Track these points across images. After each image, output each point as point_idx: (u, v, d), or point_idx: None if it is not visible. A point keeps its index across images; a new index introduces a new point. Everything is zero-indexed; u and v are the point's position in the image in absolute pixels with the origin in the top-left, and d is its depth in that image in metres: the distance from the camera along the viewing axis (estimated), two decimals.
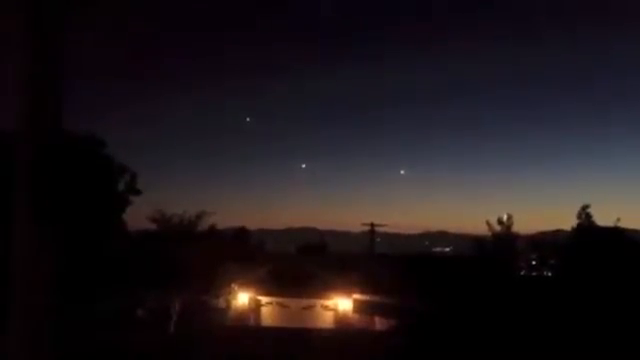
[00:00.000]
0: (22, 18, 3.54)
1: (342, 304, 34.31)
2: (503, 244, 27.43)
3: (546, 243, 29.29)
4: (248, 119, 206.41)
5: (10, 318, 3.29)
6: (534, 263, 30.33)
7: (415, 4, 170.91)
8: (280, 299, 34.51)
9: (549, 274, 29.56)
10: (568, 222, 27.77)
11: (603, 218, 27.53)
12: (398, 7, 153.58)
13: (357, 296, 34.06)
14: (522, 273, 29.57)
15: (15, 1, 3.53)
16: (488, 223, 27.69)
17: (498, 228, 27.59)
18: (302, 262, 37.26)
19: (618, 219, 26.72)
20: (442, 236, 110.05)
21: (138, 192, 26.30)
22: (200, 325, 27.03)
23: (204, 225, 29.46)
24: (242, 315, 33.06)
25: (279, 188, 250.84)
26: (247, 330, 30.90)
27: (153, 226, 28.93)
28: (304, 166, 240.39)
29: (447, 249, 76.31)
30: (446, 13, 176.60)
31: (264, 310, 34.86)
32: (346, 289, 34.05)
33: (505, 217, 27.76)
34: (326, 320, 34.34)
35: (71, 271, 17.32)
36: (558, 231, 30.45)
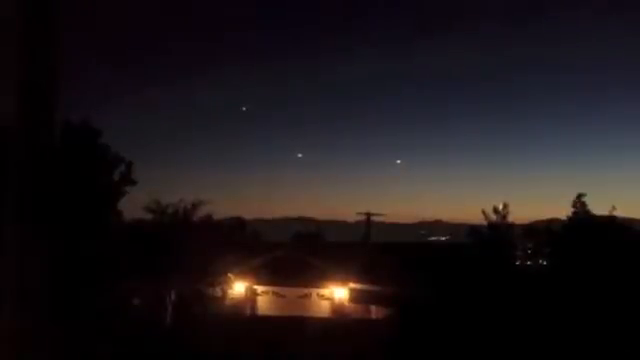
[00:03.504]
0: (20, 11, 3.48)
1: (338, 293, 34.54)
2: (499, 233, 27.45)
3: (541, 232, 29.32)
4: (244, 108, 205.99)
5: (2, 321, 3.27)
6: (529, 252, 30.38)
7: None
8: (276, 288, 34.71)
9: (544, 263, 29.64)
10: (563, 211, 27.80)
11: (598, 207, 27.56)
12: None
13: (353, 285, 34.22)
14: (517, 262, 29.63)
15: None
16: (484, 212, 27.70)
17: (494, 217, 27.58)
18: (298, 252, 37.30)
19: (613, 208, 26.76)
20: (438, 225, 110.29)
21: (134, 182, 26.16)
22: (196, 315, 27.13)
23: (200, 215, 29.38)
24: (238, 304, 33.20)
25: (275, 178, 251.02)
26: (243, 319, 31.08)
27: (149, 216, 28.88)
28: (300, 156, 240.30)
29: (443, 238, 76.42)
30: (448, 4, 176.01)
31: (260, 299, 35.06)
32: (342, 278, 34.24)
33: (501, 206, 27.75)
34: (322, 309, 34.55)
35: (67, 264, 17.33)
36: (553, 220, 30.45)
